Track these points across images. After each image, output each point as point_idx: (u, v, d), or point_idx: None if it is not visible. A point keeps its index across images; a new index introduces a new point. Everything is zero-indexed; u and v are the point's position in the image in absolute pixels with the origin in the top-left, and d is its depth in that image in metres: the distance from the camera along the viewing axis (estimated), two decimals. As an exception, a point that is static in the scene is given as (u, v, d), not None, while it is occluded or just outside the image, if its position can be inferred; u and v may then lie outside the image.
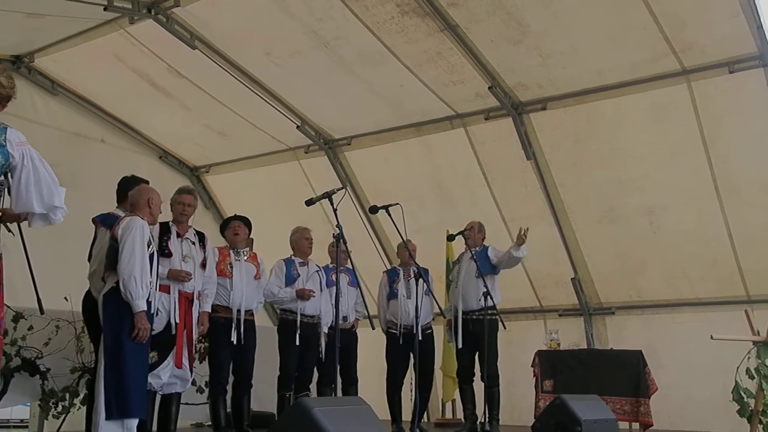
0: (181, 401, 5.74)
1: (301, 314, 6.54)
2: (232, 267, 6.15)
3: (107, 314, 4.67)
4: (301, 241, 6.81)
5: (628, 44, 6.74)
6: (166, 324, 5.20)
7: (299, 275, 6.67)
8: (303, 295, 6.55)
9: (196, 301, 5.52)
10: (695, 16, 6.33)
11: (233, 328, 6.01)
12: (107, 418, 4.49)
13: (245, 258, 6.31)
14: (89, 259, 5.32)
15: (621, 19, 6.49)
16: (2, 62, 7.97)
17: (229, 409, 6.26)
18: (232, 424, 6.19)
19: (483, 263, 6.82)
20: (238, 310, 6.07)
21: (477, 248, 6.97)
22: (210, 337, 6.16)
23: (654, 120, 7.28)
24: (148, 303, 4.75)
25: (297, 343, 6.46)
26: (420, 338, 6.49)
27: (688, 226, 7.62)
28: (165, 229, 5.47)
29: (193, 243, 5.63)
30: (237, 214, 6.57)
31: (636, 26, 6.48)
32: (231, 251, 6.26)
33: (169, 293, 5.27)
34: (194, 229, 5.76)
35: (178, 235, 5.56)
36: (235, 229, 6.35)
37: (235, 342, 6.01)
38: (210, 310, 5.81)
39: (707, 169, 7.22)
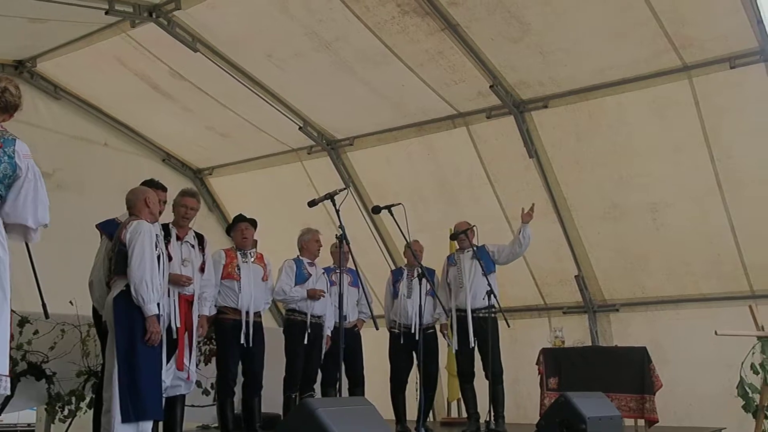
0: (187, 403, 5.76)
1: (311, 314, 6.57)
2: (239, 269, 6.17)
3: (118, 318, 4.68)
4: (311, 243, 6.86)
5: (628, 41, 6.73)
6: (167, 327, 5.22)
7: (310, 275, 6.71)
8: (314, 295, 6.58)
9: (196, 304, 5.56)
10: (695, 12, 6.32)
11: (242, 331, 6.03)
12: (123, 421, 4.50)
13: (252, 260, 6.34)
14: None
15: (621, 16, 6.48)
16: (5, 67, 8.01)
17: (237, 411, 6.28)
18: (242, 426, 6.21)
19: (487, 262, 6.84)
20: (247, 312, 6.09)
21: (474, 248, 6.98)
22: (218, 339, 6.18)
23: (656, 116, 7.27)
24: (158, 305, 4.78)
25: (306, 343, 6.48)
26: (421, 337, 6.50)
27: (692, 222, 7.62)
28: (165, 231, 5.48)
29: (193, 246, 5.65)
30: (243, 214, 6.58)
31: (636, 23, 6.47)
32: (238, 253, 6.28)
33: (169, 296, 5.27)
34: (194, 232, 5.78)
35: (178, 238, 5.59)
36: (243, 231, 6.37)
37: (244, 344, 6.03)
38: (208, 314, 5.83)
39: (710, 165, 7.21)
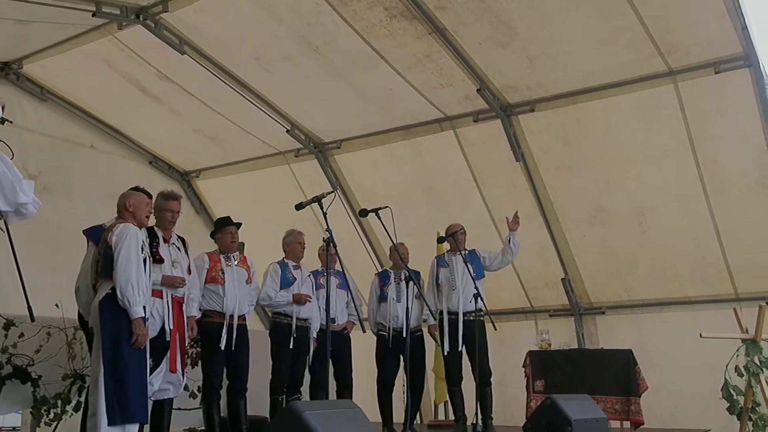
0: (174, 406, 5.74)
1: (296, 318, 6.56)
2: (223, 273, 6.15)
3: (104, 321, 4.66)
4: (294, 245, 6.84)
5: (615, 46, 6.78)
6: (159, 329, 5.22)
7: (295, 279, 6.70)
8: (300, 300, 6.57)
9: (185, 305, 5.54)
10: (681, 17, 6.37)
11: (224, 334, 6.01)
12: (110, 423, 4.49)
13: (236, 262, 6.32)
14: None
15: (608, 21, 6.52)
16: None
17: (223, 414, 6.26)
18: (228, 429, 6.20)
19: (477, 267, 6.87)
20: (231, 316, 6.08)
21: (465, 251, 6.99)
22: (203, 342, 6.16)
23: (642, 121, 7.32)
24: (143, 308, 4.77)
25: (291, 346, 6.47)
26: (410, 341, 6.51)
27: (677, 225, 7.67)
28: (152, 234, 5.47)
29: (179, 248, 5.65)
30: (230, 218, 6.56)
31: (623, 28, 6.51)
32: (221, 256, 6.26)
33: (162, 298, 5.28)
34: (176, 234, 5.77)
35: (165, 241, 5.57)
36: (233, 235, 6.35)
37: (224, 347, 6.01)
38: (197, 315, 5.82)
39: (695, 169, 7.26)
